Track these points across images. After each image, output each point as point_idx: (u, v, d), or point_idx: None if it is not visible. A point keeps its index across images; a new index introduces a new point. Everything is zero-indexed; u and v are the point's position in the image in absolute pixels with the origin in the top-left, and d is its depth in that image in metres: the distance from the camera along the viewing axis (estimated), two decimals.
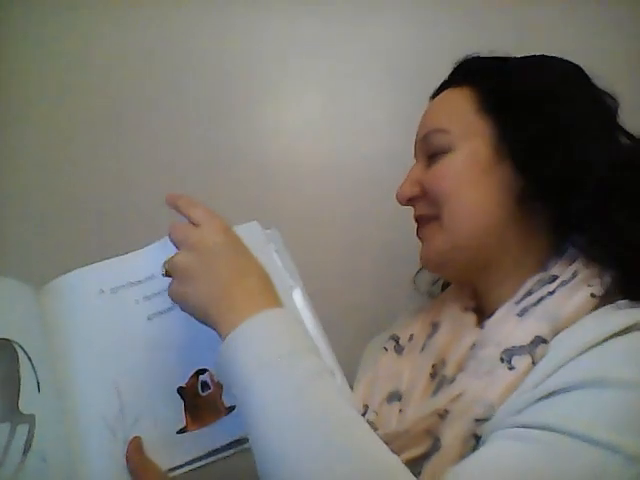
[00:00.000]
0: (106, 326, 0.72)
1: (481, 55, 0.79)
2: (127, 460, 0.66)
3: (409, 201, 0.78)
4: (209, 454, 0.70)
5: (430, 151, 0.76)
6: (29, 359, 0.67)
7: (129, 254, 0.76)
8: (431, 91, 0.83)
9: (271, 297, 0.62)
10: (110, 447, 0.67)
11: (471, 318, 0.75)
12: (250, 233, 0.80)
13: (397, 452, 0.64)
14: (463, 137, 0.73)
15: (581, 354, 0.59)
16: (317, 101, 1.22)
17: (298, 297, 0.77)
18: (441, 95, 0.80)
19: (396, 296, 1.04)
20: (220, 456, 0.70)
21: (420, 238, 0.78)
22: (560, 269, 0.69)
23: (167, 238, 0.67)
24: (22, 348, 0.67)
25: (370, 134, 1.21)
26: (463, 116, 0.74)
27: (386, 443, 0.65)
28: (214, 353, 0.61)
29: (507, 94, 0.73)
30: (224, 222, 0.65)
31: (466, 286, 0.79)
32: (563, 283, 0.68)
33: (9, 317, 0.68)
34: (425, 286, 0.91)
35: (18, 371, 0.66)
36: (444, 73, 0.82)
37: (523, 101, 0.72)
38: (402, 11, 1.22)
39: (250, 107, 1.20)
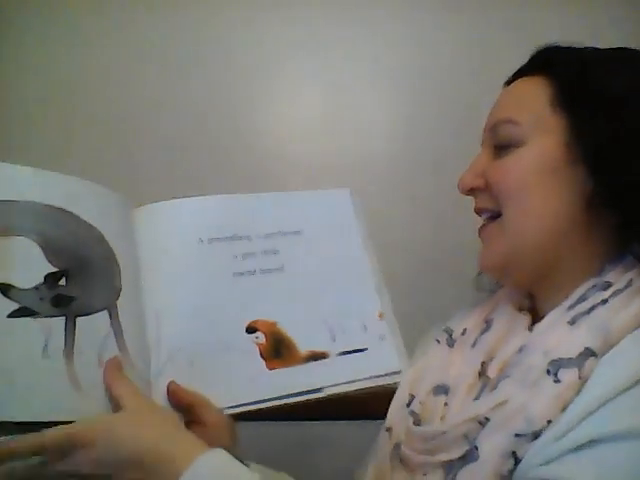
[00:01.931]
0: (191, 268, 0.77)
1: (561, 44, 0.75)
2: (173, 400, 0.70)
3: (470, 191, 0.75)
4: (278, 397, 0.73)
5: (498, 142, 0.73)
6: (118, 265, 0.71)
7: (228, 201, 0.82)
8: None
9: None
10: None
11: (525, 319, 0.73)
12: (338, 198, 0.84)
13: (433, 452, 0.66)
14: (534, 131, 0.70)
15: (610, 400, 0.58)
16: (317, 101, 1.22)
17: (369, 263, 0.83)
18: (515, 83, 0.76)
19: (400, 294, 1.03)
20: (287, 401, 0.74)
21: (481, 239, 0.75)
22: (615, 276, 0.67)
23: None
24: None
25: (370, 134, 1.19)
26: (535, 108, 0.71)
27: (424, 441, 0.68)
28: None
29: (586, 89, 0.69)
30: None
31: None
32: (616, 292, 0.66)
33: (106, 223, 0.72)
34: (489, 285, 0.87)
35: (112, 268, 0.71)
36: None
37: (602, 98, 0.68)
38: (403, 11, 1.20)
39: (250, 107, 1.20)
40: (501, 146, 0.72)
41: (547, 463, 0.58)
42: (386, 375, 0.77)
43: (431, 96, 1.04)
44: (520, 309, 0.75)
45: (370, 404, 0.75)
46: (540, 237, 0.69)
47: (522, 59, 0.76)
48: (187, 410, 0.71)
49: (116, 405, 0.63)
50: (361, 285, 0.82)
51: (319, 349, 0.77)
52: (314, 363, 0.76)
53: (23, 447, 0.58)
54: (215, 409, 0.72)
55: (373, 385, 0.76)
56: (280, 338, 0.77)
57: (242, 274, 0.78)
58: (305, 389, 0.74)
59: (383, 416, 0.77)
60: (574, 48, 0.74)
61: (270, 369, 0.75)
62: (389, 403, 0.78)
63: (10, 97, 1.14)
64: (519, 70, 0.77)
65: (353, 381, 0.76)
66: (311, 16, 1.20)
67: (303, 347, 0.77)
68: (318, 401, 0.74)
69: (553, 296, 0.70)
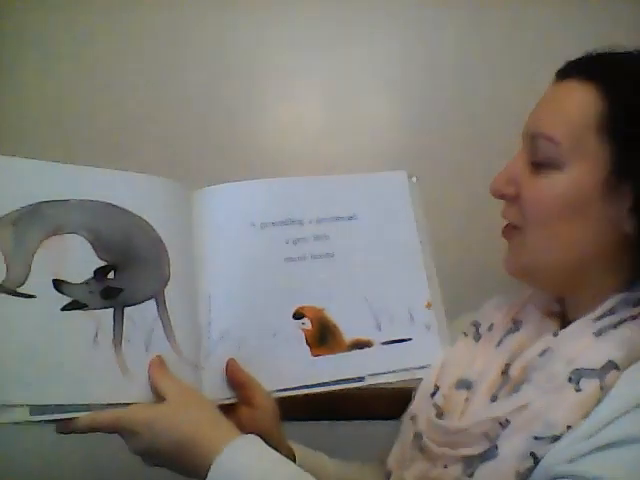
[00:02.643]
0: (243, 252, 0.78)
1: (624, 54, 0.68)
2: (229, 376, 0.74)
3: (500, 196, 0.73)
4: (321, 384, 0.76)
5: (535, 157, 0.69)
6: (166, 254, 0.74)
7: (282, 185, 0.82)
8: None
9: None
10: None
11: (552, 324, 0.73)
12: (395, 180, 0.83)
13: (454, 446, 0.68)
14: (573, 154, 0.66)
15: (634, 408, 0.59)
16: (317, 101, 1.21)
17: (422, 251, 0.82)
18: (564, 86, 0.70)
19: None
20: (329, 388, 0.76)
21: (505, 239, 0.74)
22: None
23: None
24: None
25: (372, 134, 1.18)
26: (580, 127, 0.66)
27: (446, 434, 0.69)
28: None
29: (635, 122, 0.64)
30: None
31: None
32: None
33: (162, 216, 0.75)
34: None
35: (160, 258, 0.74)
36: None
37: None
38: (402, 11, 1.18)
39: (250, 106, 1.19)
40: (538, 162, 0.69)
41: (573, 460, 0.59)
42: (428, 367, 0.77)
43: (433, 95, 1.03)
44: (549, 313, 0.75)
45: (370, 404, 0.75)
46: (561, 265, 0.69)
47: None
48: (238, 389, 0.75)
49: (159, 397, 0.68)
50: (411, 273, 0.81)
51: (364, 337, 0.78)
52: (358, 351, 0.77)
53: (79, 425, 0.65)
54: (264, 392, 0.75)
55: (414, 377, 0.77)
56: (326, 325, 0.78)
57: (293, 259, 0.79)
58: (347, 377, 0.76)
59: (383, 416, 0.78)
60: (636, 66, 0.68)
61: (314, 355, 0.77)
62: (390, 403, 0.80)
63: (8, 98, 1.19)
64: (573, 66, 0.71)
65: (394, 371, 0.77)
66: (312, 15, 1.20)
67: (349, 335, 0.78)
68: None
69: (581, 304, 0.70)
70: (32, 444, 1.09)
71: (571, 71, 0.70)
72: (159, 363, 0.70)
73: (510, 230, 0.73)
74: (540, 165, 0.69)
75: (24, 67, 1.19)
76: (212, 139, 1.19)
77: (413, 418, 0.76)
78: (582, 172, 0.66)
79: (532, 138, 0.70)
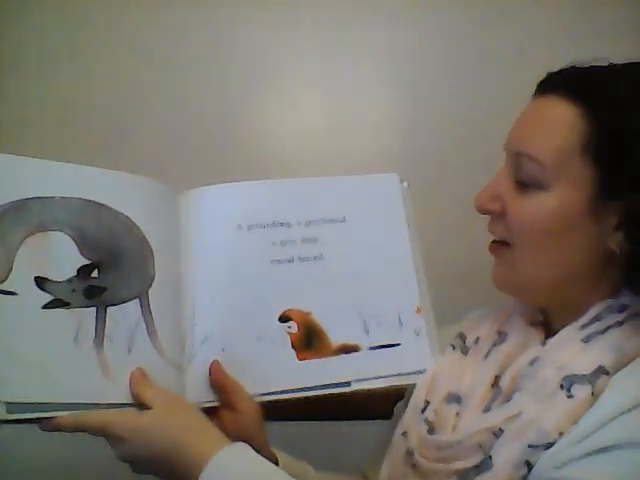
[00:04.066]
0: (229, 254, 0.77)
1: (610, 71, 0.68)
2: (212, 380, 0.73)
3: (485, 212, 0.73)
4: (306, 388, 0.75)
5: (520, 175, 0.69)
6: (152, 254, 0.73)
7: (270, 186, 0.82)
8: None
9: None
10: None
11: (538, 333, 0.73)
12: (386, 183, 0.82)
13: (447, 460, 0.68)
14: (558, 176, 0.66)
15: (623, 413, 0.60)
16: (317, 101, 1.22)
17: (413, 255, 0.81)
18: (548, 103, 0.69)
19: None
20: (315, 392, 0.75)
21: (492, 254, 0.74)
22: (632, 299, 0.68)
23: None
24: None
25: (372, 134, 1.20)
26: (564, 149, 0.66)
27: (438, 450, 0.69)
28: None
29: (620, 146, 0.64)
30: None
31: None
32: (632, 316, 0.67)
33: (148, 216, 0.74)
34: None
35: (145, 257, 0.73)
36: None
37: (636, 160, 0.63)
38: (403, 11, 1.20)
39: (251, 107, 1.21)
40: (522, 181, 0.69)
41: (562, 466, 0.60)
42: (416, 373, 0.76)
43: (433, 98, 1.06)
44: (533, 323, 0.75)
45: (371, 404, 0.74)
46: (550, 281, 0.70)
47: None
48: (221, 393, 0.73)
49: (143, 406, 0.66)
50: (401, 277, 0.80)
51: (351, 342, 0.77)
52: (345, 356, 0.76)
53: (64, 423, 0.64)
54: (247, 396, 0.74)
55: (402, 382, 0.76)
56: (313, 329, 0.77)
57: (280, 262, 0.78)
58: (333, 382, 0.75)
59: (387, 416, 0.77)
60: (623, 85, 0.66)
61: (300, 359, 0.76)
62: (393, 403, 0.79)
63: (9, 97, 1.19)
64: (556, 81, 0.70)
65: (382, 377, 0.76)
66: (309, 18, 1.21)
67: (335, 339, 0.77)
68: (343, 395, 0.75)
69: (566, 313, 0.71)
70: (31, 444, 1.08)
71: (554, 86, 0.69)
72: (140, 375, 0.68)
73: (498, 247, 0.73)
74: (525, 184, 0.68)
75: (24, 67, 1.19)
76: (207, 141, 1.19)
77: (404, 434, 0.75)
78: (568, 193, 0.66)
79: (516, 156, 0.69)
